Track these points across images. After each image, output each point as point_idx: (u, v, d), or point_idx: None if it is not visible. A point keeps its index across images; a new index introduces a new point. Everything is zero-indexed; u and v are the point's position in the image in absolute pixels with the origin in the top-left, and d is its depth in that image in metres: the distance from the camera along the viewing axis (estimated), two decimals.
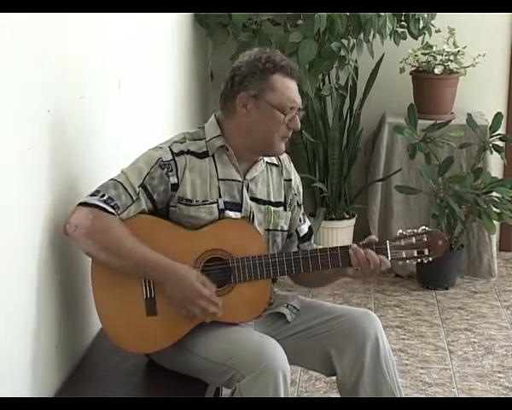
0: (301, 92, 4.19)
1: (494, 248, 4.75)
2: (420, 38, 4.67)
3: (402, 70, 4.78)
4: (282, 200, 2.65)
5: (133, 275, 2.42)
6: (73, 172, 2.62)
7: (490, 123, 4.47)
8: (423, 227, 2.57)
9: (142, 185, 2.45)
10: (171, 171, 2.48)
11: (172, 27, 4.09)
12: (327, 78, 4.69)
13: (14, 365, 2.22)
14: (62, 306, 2.52)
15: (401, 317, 4.21)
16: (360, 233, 4.88)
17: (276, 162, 2.66)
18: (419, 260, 2.56)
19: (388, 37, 4.38)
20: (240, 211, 2.54)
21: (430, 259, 2.56)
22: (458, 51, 4.69)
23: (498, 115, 4.43)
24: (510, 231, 5.15)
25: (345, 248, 2.52)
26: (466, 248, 4.71)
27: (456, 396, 3.41)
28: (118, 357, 2.63)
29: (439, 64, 4.68)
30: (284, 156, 2.69)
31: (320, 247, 2.61)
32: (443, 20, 4.73)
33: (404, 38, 4.58)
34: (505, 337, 3.98)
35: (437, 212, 4.33)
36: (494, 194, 4.35)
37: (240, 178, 2.56)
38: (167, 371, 2.56)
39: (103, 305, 2.46)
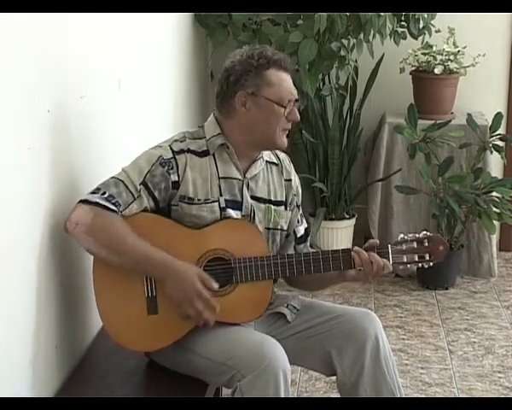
0: (301, 92, 4.23)
1: (494, 248, 4.75)
2: (420, 38, 4.67)
3: (402, 70, 4.78)
4: (283, 199, 2.65)
5: (134, 273, 2.42)
6: (73, 172, 2.62)
7: (490, 123, 4.47)
8: (424, 232, 2.59)
9: (143, 183, 2.45)
10: (172, 169, 2.48)
11: (172, 27, 4.09)
12: (327, 78, 4.69)
13: (14, 365, 2.22)
14: (62, 306, 2.52)
15: (401, 317, 4.21)
16: (360, 233, 4.89)
17: (275, 162, 2.66)
18: (420, 264, 2.57)
19: (388, 37, 4.39)
20: (240, 209, 2.55)
21: (431, 264, 2.58)
22: (458, 51, 4.70)
23: (498, 115, 4.43)
24: (510, 231, 5.15)
25: (347, 251, 2.53)
26: (466, 248, 4.71)
27: (456, 396, 3.41)
28: (118, 357, 2.63)
29: (439, 64, 4.68)
30: (284, 157, 2.69)
31: (313, 250, 2.62)
32: (443, 20, 4.73)
33: (404, 38, 4.58)
34: (505, 337, 3.98)
35: (437, 212, 4.33)
36: (494, 194, 4.35)
37: (240, 177, 2.56)
38: (167, 371, 2.56)
39: (104, 303, 2.46)
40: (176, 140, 2.54)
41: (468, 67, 4.73)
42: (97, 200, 2.40)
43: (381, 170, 4.73)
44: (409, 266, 2.58)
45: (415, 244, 2.56)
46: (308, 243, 2.75)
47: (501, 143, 4.49)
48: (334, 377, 2.64)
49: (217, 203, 2.51)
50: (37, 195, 2.34)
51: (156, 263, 2.40)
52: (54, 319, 2.47)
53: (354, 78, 4.70)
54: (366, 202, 4.81)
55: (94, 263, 2.45)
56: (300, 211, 2.73)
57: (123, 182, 2.45)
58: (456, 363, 3.71)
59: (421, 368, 3.66)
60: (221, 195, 2.52)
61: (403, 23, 4.52)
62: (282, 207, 2.64)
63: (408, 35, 4.58)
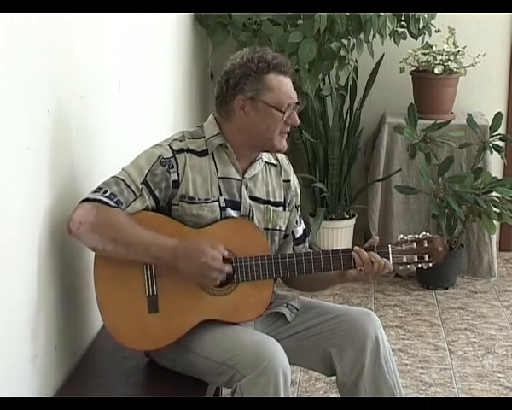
0: (301, 92, 4.23)
1: (494, 248, 4.75)
2: (420, 38, 4.67)
3: (402, 70, 4.78)
4: (282, 200, 2.65)
5: (139, 268, 2.42)
6: (73, 171, 2.62)
7: (490, 123, 4.48)
8: (424, 233, 2.59)
9: (145, 182, 2.46)
10: (172, 168, 2.48)
11: (172, 27, 4.09)
12: (327, 78, 4.69)
13: (14, 365, 2.22)
14: (62, 306, 2.53)
15: (401, 317, 4.21)
16: (360, 233, 4.89)
17: (274, 162, 2.66)
18: (419, 265, 2.58)
19: (388, 37, 4.38)
20: (239, 209, 2.55)
21: (430, 264, 2.58)
22: (458, 51, 4.70)
23: (498, 115, 4.43)
24: (510, 231, 5.15)
25: (347, 251, 2.53)
26: (466, 249, 4.71)
27: (456, 396, 3.41)
28: (118, 357, 2.63)
29: (439, 64, 4.68)
30: (283, 157, 2.69)
31: (313, 251, 2.63)
32: (443, 20, 4.73)
33: (404, 38, 4.58)
34: (505, 337, 3.98)
35: (437, 212, 4.33)
36: (494, 194, 4.35)
37: (239, 177, 2.56)
38: (167, 370, 2.56)
39: (105, 301, 2.46)
40: (175, 139, 2.54)
41: (468, 67, 4.73)
42: (99, 197, 2.41)
43: (381, 170, 4.73)
44: (408, 266, 2.58)
45: (414, 245, 2.56)
46: (307, 244, 2.75)
47: (501, 143, 4.50)
48: (334, 377, 2.64)
49: (217, 203, 2.51)
50: (37, 194, 2.34)
51: (165, 247, 2.39)
52: (54, 319, 2.47)
53: (354, 78, 4.70)
54: (366, 202, 4.81)
55: (95, 262, 2.45)
56: (299, 212, 2.74)
57: (124, 181, 2.45)
58: (456, 363, 3.71)
59: (421, 368, 3.66)
60: (221, 194, 2.53)
61: (403, 23, 4.53)
62: (281, 208, 2.64)
63: (408, 35, 4.58)
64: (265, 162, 2.64)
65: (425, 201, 4.68)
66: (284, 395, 2.33)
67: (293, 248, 2.69)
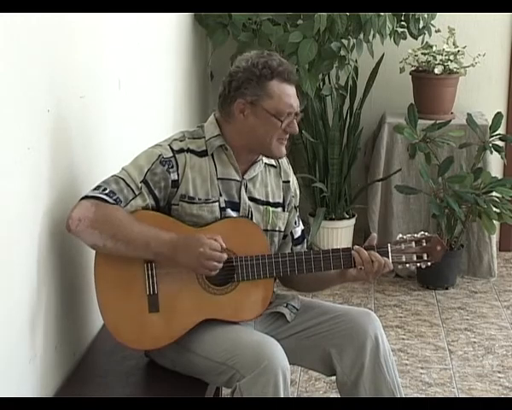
0: (301, 92, 4.23)
1: (494, 248, 4.75)
2: (420, 38, 4.67)
3: (402, 70, 4.78)
4: (281, 201, 2.65)
5: (143, 257, 2.42)
6: (73, 171, 2.62)
7: (490, 123, 4.48)
8: (422, 232, 2.60)
9: (144, 181, 2.46)
10: (172, 167, 2.48)
11: (172, 27, 4.09)
12: (327, 78, 4.69)
13: (14, 365, 2.22)
14: (62, 306, 2.53)
15: (401, 317, 4.22)
16: (360, 233, 4.89)
17: (274, 163, 2.66)
18: (418, 264, 2.58)
19: (388, 37, 4.38)
20: (238, 210, 2.55)
21: (429, 264, 2.59)
22: (458, 51, 4.70)
23: (498, 115, 4.43)
24: (510, 231, 5.15)
25: (347, 250, 2.53)
26: (466, 248, 4.71)
27: (456, 396, 3.41)
28: (118, 357, 2.63)
29: (438, 64, 4.68)
30: (282, 158, 2.69)
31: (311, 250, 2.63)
32: (443, 20, 4.73)
33: (404, 38, 4.58)
34: (505, 337, 3.98)
35: (437, 212, 4.33)
36: (494, 194, 4.35)
37: (238, 178, 2.56)
38: (167, 370, 2.56)
39: (105, 300, 2.46)
40: (175, 139, 2.55)
41: (468, 67, 4.73)
42: (98, 194, 2.41)
43: (381, 170, 4.73)
44: (407, 265, 2.58)
45: (413, 244, 2.57)
46: (305, 245, 2.75)
47: (501, 143, 4.50)
48: (333, 377, 2.64)
49: (217, 203, 2.52)
50: (37, 194, 2.34)
51: (165, 241, 2.40)
52: (54, 319, 2.47)
53: (354, 78, 4.70)
54: (366, 202, 4.81)
55: (95, 261, 2.45)
56: (298, 213, 2.74)
57: (123, 179, 2.45)
58: (456, 363, 3.71)
59: (421, 368, 3.66)
60: (220, 195, 2.53)
61: (403, 23, 4.53)
62: (280, 209, 2.64)
63: (408, 35, 4.58)
64: (265, 163, 2.64)
65: (425, 201, 4.68)
66: (284, 395, 2.33)
67: (291, 249, 2.70)
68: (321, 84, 4.63)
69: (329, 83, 4.69)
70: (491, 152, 4.48)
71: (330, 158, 4.69)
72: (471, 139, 4.57)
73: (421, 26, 4.58)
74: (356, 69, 4.67)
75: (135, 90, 3.33)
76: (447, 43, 4.72)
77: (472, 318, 4.22)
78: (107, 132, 2.95)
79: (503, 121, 4.55)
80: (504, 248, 5.22)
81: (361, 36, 4.40)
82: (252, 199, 2.58)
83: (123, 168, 2.50)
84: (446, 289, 4.57)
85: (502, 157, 4.58)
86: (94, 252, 2.45)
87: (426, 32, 4.63)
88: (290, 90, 2.50)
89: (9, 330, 2.18)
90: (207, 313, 2.48)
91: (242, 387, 2.34)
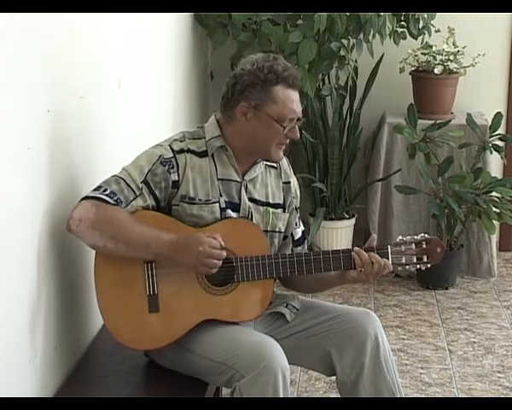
0: (301, 92, 4.23)
1: (494, 248, 4.75)
2: (420, 38, 4.67)
3: (402, 70, 4.78)
4: (281, 202, 2.65)
5: (143, 258, 2.42)
6: (73, 171, 2.62)
7: (490, 123, 4.48)
8: (422, 234, 2.60)
9: (145, 181, 2.46)
10: (173, 168, 2.48)
11: (172, 27, 4.09)
12: (327, 78, 4.69)
13: (14, 365, 2.22)
14: (62, 306, 2.53)
15: (401, 317, 4.22)
16: (360, 233, 4.89)
17: (274, 164, 2.66)
18: (418, 266, 2.58)
19: (388, 37, 4.38)
20: (238, 211, 2.55)
21: (428, 266, 2.59)
22: (458, 51, 4.70)
23: (498, 115, 4.44)
24: (510, 231, 5.15)
25: (347, 252, 2.53)
26: (466, 248, 4.71)
27: (456, 396, 3.41)
28: (118, 357, 2.63)
29: (438, 64, 4.68)
30: (283, 159, 2.69)
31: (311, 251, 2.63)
32: (443, 20, 4.73)
33: (404, 38, 4.58)
34: (505, 337, 3.98)
35: (437, 212, 4.33)
36: (494, 194, 4.35)
37: (238, 179, 2.56)
38: (167, 370, 2.56)
39: (106, 301, 2.46)
40: (175, 140, 2.54)
41: (468, 67, 4.73)
42: (98, 195, 2.41)
43: (381, 170, 4.73)
44: (407, 267, 2.58)
45: (413, 246, 2.57)
46: (306, 246, 2.75)
47: (501, 143, 4.50)
48: (334, 377, 2.64)
49: (217, 204, 2.52)
50: (37, 194, 2.34)
51: (165, 242, 2.40)
52: (54, 319, 2.47)
53: (354, 78, 4.70)
54: (366, 202, 4.81)
55: (95, 261, 2.45)
56: (298, 214, 2.74)
57: (124, 180, 2.45)
58: (456, 363, 3.71)
59: (421, 368, 3.66)
60: (221, 195, 2.53)
61: (403, 23, 4.52)
62: (280, 210, 2.64)
63: (408, 35, 4.58)
64: (266, 164, 2.64)
65: (425, 201, 4.68)
66: (283, 395, 2.34)
67: (292, 250, 2.70)
68: (321, 84, 4.63)
69: (329, 83, 4.69)
70: (491, 152, 4.48)
71: (330, 158, 4.69)
72: (471, 139, 4.58)
73: (421, 26, 4.58)
74: (356, 69, 4.67)
75: (135, 90, 3.33)
76: (447, 43, 4.72)
77: (472, 318, 4.22)
78: (107, 132, 2.95)
79: (503, 121, 4.56)
80: (504, 248, 5.22)
81: (361, 36, 4.40)
82: (252, 200, 2.58)
83: (123, 168, 2.50)
84: (446, 289, 4.57)
85: (502, 157, 4.58)
86: (94, 252, 2.46)
87: (426, 32, 4.63)
88: (294, 96, 2.50)
89: (9, 330, 2.18)
90: (207, 313, 2.48)
91: (242, 387, 2.34)
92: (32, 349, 2.32)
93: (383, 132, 4.72)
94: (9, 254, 2.16)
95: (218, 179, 2.54)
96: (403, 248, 2.57)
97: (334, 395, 3.33)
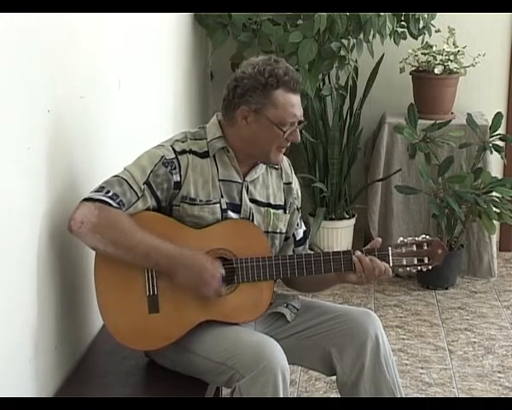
0: (301, 92, 4.23)
1: (494, 248, 4.75)
2: (420, 38, 4.67)
3: (402, 70, 4.78)
4: (282, 203, 2.65)
5: (140, 268, 2.42)
6: (73, 171, 2.62)
7: (490, 123, 4.48)
8: (423, 236, 2.59)
9: (147, 182, 2.45)
10: (175, 169, 2.48)
11: (172, 27, 4.09)
12: (327, 78, 4.69)
13: (15, 365, 2.22)
14: (62, 306, 2.53)
15: (401, 317, 4.21)
16: (360, 233, 4.90)
17: (275, 165, 2.66)
18: (419, 268, 2.58)
19: (388, 37, 4.38)
20: (239, 212, 2.55)
21: (430, 267, 2.59)
22: (458, 51, 4.70)
23: (498, 115, 4.43)
24: (510, 231, 5.15)
25: (348, 253, 2.53)
26: (466, 248, 4.71)
27: (456, 396, 3.41)
28: (118, 357, 2.63)
29: (439, 64, 4.68)
30: (284, 160, 2.69)
31: (311, 252, 2.63)
32: (443, 20, 4.73)
33: (404, 38, 4.58)
34: (505, 337, 3.98)
35: (437, 212, 4.33)
36: (494, 194, 4.35)
37: (240, 180, 2.56)
38: (167, 370, 2.56)
39: (105, 301, 2.46)
40: (177, 140, 2.54)
41: (468, 67, 4.73)
42: (101, 197, 2.40)
43: (381, 170, 4.73)
44: (408, 269, 2.58)
45: (414, 247, 2.56)
46: (307, 246, 2.75)
47: (501, 143, 4.50)
48: (334, 377, 2.64)
49: (218, 205, 2.51)
50: (37, 194, 2.34)
51: (167, 254, 2.40)
52: (54, 319, 2.47)
53: (354, 78, 4.70)
54: (366, 202, 4.81)
55: (95, 262, 2.45)
56: (300, 214, 2.73)
57: (126, 181, 2.45)
58: (456, 363, 3.71)
59: (421, 368, 3.66)
60: (222, 196, 2.52)
61: (403, 23, 4.52)
62: (281, 211, 2.64)
63: (408, 35, 4.58)
64: (267, 165, 2.63)
65: (425, 201, 4.68)
66: (283, 395, 2.33)
67: (293, 251, 2.69)
68: (321, 84, 4.63)
69: (329, 83, 4.69)
70: (491, 152, 4.48)
71: (330, 158, 4.69)
72: (471, 139, 4.57)
73: (421, 26, 4.58)
74: (356, 69, 4.67)
75: (135, 90, 3.33)
76: (447, 43, 4.72)
77: (472, 318, 4.21)
78: (107, 132, 2.95)
79: (503, 121, 4.55)
80: (504, 248, 5.22)
81: (361, 36, 4.40)
82: (253, 201, 2.58)
83: (125, 169, 2.49)
84: (446, 289, 4.57)
85: (502, 157, 4.58)
86: (94, 253, 2.45)
87: (426, 32, 4.63)
88: (295, 100, 2.49)
89: (9, 330, 2.18)
90: (207, 314, 2.48)
91: (242, 387, 2.34)
92: (32, 349, 2.32)
93: (383, 132, 4.72)
94: (9, 254, 2.16)
95: (220, 180, 2.53)
96: (404, 249, 2.56)
97: (335, 395, 3.33)
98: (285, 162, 2.69)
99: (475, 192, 4.32)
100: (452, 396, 3.41)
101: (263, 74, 2.45)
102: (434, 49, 4.72)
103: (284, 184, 2.67)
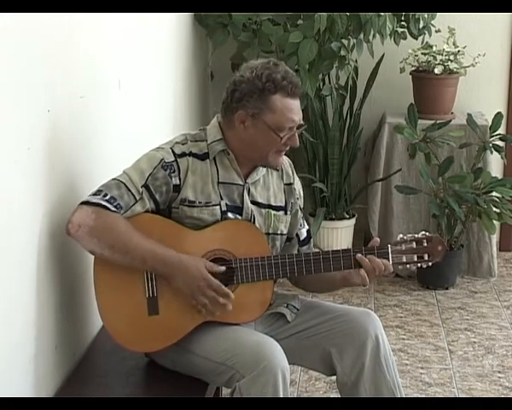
0: (301, 92, 4.23)
1: (494, 248, 4.75)
2: (420, 38, 4.67)
3: (402, 70, 4.78)
4: (283, 204, 2.65)
5: (140, 270, 2.42)
6: (73, 172, 2.62)
7: (490, 123, 4.48)
8: (423, 232, 2.59)
9: (145, 185, 2.45)
10: (174, 172, 2.48)
11: (172, 27, 4.09)
12: (327, 78, 4.69)
13: (14, 365, 2.22)
14: (62, 306, 2.52)
15: (401, 317, 4.22)
16: (360, 233, 4.89)
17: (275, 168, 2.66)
18: (419, 264, 2.58)
19: (388, 37, 4.38)
20: (241, 214, 2.54)
21: (430, 264, 2.58)
22: (458, 51, 4.70)
23: (498, 115, 4.44)
24: (510, 231, 5.15)
25: (347, 251, 2.53)
26: (466, 248, 4.71)
27: (456, 396, 3.41)
28: (118, 357, 2.63)
29: (439, 64, 4.68)
30: (285, 160, 2.68)
31: (314, 251, 2.63)
32: (443, 20, 4.73)
33: (404, 38, 4.58)
34: (505, 337, 3.98)
35: (437, 212, 4.33)
36: (494, 194, 4.35)
37: (241, 182, 2.56)
38: (167, 370, 2.56)
39: (105, 303, 2.45)
40: (177, 142, 2.54)
41: (468, 67, 4.73)
42: (99, 201, 2.40)
43: (381, 170, 4.73)
44: (408, 266, 2.58)
45: (414, 244, 2.56)
46: (311, 245, 2.75)
47: (501, 143, 4.50)
48: (334, 377, 2.64)
49: (218, 207, 2.51)
50: (37, 194, 2.34)
51: (163, 259, 2.40)
52: (54, 320, 2.47)
53: (354, 78, 4.70)
54: (366, 202, 4.81)
55: (94, 264, 2.45)
56: (302, 214, 2.73)
57: (124, 184, 2.44)
58: (456, 363, 3.71)
59: (421, 368, 3.66)
60: (221, 198, 2.52)
61: (403, 23, 4.52)
62: (282, 212, 2.64)
63: (408, 35, 4.58)
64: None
65: (425, 201, 4.68)
66: (283, 395, 2.33)
67: (298, 250, 2.69)
68: (321, 84, 4.63)
69: (329, 83, 4.69)
70: (491, 152, 4.48)
71: (330, 158, 4.69)
72: (471, 139, 4.58)
73: (421, 26, 4.58)
74: (356, 69, 4.67)
75: (135, 90, 3.33)
76: (447, 43, 4.72)
77: (472, 318, 4.22)
78: (107, 132, 2.95)
79: (503, 121, 4.56)
80: (504, 248, 5.22)
81: (361, 36, 4.40)
82: (254, 203, 2.58)
83: (124, 171, 2.49)
84: (446, 289, 4.57)
85: (502, 157, 4.58)
86: None
87: (426, 32, 4.63)
88: (293, 105, 2.48)
89: (9, 330, 2.18)
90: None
91: (242, 387, 2.34)
92: (32, 349, 2.31)
93: (383, 132, 4.72)
94: (9, 254, 2.16)
95: (220, 183, 2.53)
96: (403, 246, 2.56)
97: (335, 395, 3.33)
98: (286, 163, 2.69)
99: (475, 192, 4.32)
100: (452, 396, 3.41)
101: (260, 79, 2.44)
102: (434, 49, 4.72)
103: (285, 185, 2.67)
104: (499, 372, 3.63)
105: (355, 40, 4.47)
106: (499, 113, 4.46)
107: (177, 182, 2.48)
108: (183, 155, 2.50)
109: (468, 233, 4.71)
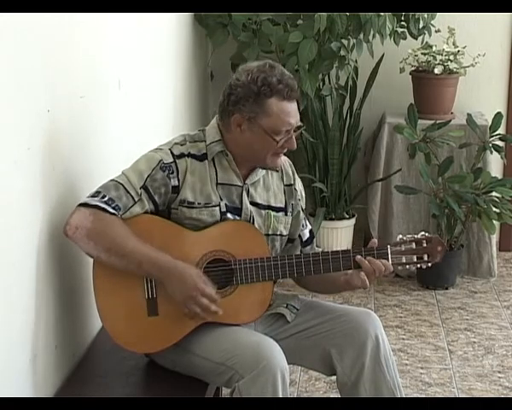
0: (301, 92, 4.23)
1: (494, 248, 4.75)
2: (420, 38, 4.67)
3: (402, 70, 4.78)
4: (283, 205, 2.64)
5: (135, 274, 2.42)
6: (73, 172, 2.62)
7: (490, 123, 4.48)
8: (422, 233, 2.59)
9: (144, 187, 2.45)
10: (172, 173, 2.47)
11: (172, 27, 4.09)
12: (327, 78, 4.69)
13: (14, 365, 2.22)
14: (62, 306, 2.52)
15: (401, 317, 4.22)
16: (360, 233, 4.89)
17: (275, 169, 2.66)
18: (418, 265, 2.58)
19: (388, 37, 4.38)
20: (239, 215, 2.54)
21: (429, 264, 2.58)
22: (458, 51, 4.70)
23: (498, 115, 4.44)
24: (510, 231, 5.15)
25: (347, 252, 2.53)
26: (466, 248, 4.71)
27: (456, 396, 3.41)
28: (118, 357, 2.63)
29: (438, 64, 4.68)
30: (285, 161, 2.68)
31: (315, 251, 2.63)
32: (443, 20, 4.73)
33: (404, 38, 4.58)
34: (505, 337, 3.98)
35: (437, 212, 4.33)
36: (494, 194, 4.35)
37: (240, 183, 2.56)
38: (167, 370, 2.56)
39: (104, 304, 2.45)
40: (176, 143, 2.53)
41: (468, 67, 4.73)
42: (97, 203, 2.40)
43: (381, 170, 4.73)
44: (408, 266, 2.58)
45: (413, 245, 2.56)
46: (314, 245, 2.74)
47: (501, 143, 4.50)
48: (334, 377, 2.64)
49: (217, 208, 2.51)
50: (36, 194, 2.34)
51: (158, 264, 2.39)
52: (53, 320, 2.47)
53: (354, 78, 4.70)
54: (366, 202, 4.81)
55: (94, 265, 2.45)
56: (304, 215, 2.73)
57: (123, 185, 2.44)
58: (456, 363, 3.71)
59: (421, 368, 3.66)
60: (221, 199, 2.52)
61: (403, 23, 4.52)
62: (282, 213, 2.63)
63: (408, 35, 4.58)
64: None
65: (425, 201, 4.68)
66: (282, 395, 2.34)
67: (300, 251, 2.69)
68: (321, 84, 4.63)
69: (329, 83, 4.69)
70: (491, 152, 4.48)
71: (330, 158, 4.69)
72: (471, 139, 4.58)
73: (421, 26, 4.58)
74: (356, 69, 4.67)
75: (135, 90, 3.33)
76: (447, 43, 4.72)
77: (472, 318, 4.21)
78: (107, 132, 2.95)
79: (503, 121, 4.55)
80: (504, 248, 5.22)
81: (361, 36, 4.40)
82: (253, 204, 2.58)
83: (123, 172, 2.49)
84: (446, 289, 4.57)
85: (502, 157, 4.58)
86: None
87: (426, 32, 4.63)
88: (289, 108, 2.46)
89: (9, 330, 2.18)
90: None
91: (241, 387, 2.34)
92: (32, 349, 2.31)
93: (383, 132, 4.72)
94: (9, 254, 2.16)
95: (218, 184, 2.52)
96: (403, 247, 2.56)
97: (335, 395, 3.33)
98: (286, 163, 2.69)
99: (475, 192, 4.32)
100: (452, 396, 3.41)
101: (256, 83, 2.43)
102: (434, 49, 4.72)
103: (285, 186, 2.67)
104: (499, 372, 3.63)
105: (355, 40, 4.47)
106: (499, 113, 4.46)
107: (176, 183, 2.48)
108: (181, 156, 2.50)
109: (468, 233, 4.71)
